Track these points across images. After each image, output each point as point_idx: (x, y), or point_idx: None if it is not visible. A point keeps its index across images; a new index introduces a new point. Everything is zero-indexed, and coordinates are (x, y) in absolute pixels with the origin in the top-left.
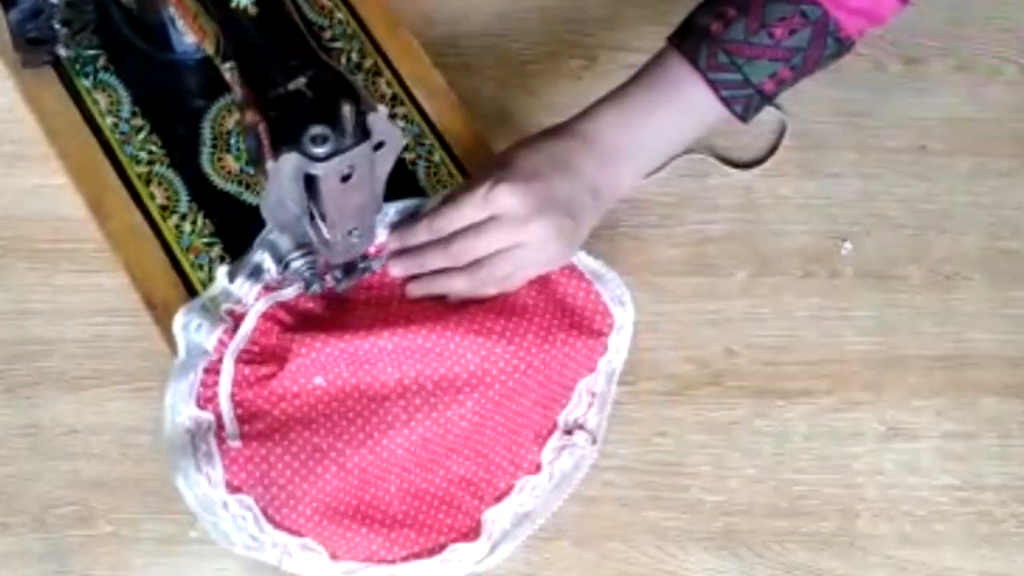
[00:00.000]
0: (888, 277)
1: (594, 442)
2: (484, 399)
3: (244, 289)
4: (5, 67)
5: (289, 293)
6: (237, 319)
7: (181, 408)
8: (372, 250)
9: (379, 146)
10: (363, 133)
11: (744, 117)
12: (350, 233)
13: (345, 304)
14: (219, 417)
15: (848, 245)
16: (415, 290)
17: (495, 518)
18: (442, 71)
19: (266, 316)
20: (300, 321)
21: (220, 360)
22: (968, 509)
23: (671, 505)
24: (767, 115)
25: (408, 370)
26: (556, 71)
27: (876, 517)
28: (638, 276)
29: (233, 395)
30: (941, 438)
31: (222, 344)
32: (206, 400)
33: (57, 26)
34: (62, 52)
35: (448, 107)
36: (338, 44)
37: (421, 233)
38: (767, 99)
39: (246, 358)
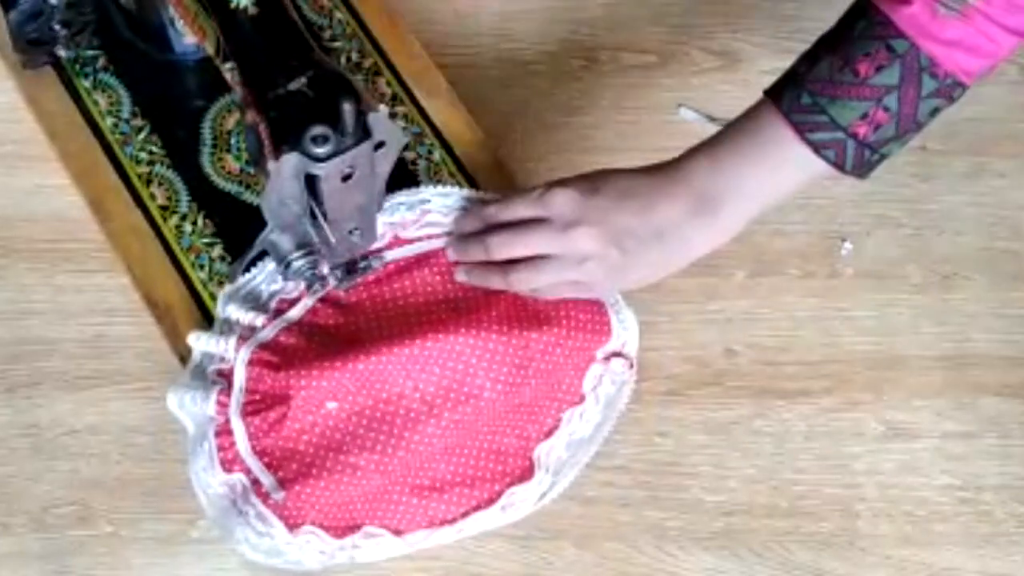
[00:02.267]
0: (888, 277)
1: (631, 366)
2: (509, 376)
3: (222, 346)
4: (5, 68)
5: (266, 334)
6: (227, 376)
7: (210, 480)
8: (372, 249)
9: (380, 145)
10: (364, 133)
11: (841, 166)
12: (351, 233)
13: (328, 322)
14: (250, 475)
15: (848, 245)
16: (461, 276)
17: (548, 450)
18: (442, 71)
19: (252, 363)
20: (286, 356)
21: (228, 421)
22: (968, 509)
23: (671, 505)
24: None
25: (417, 373)
26: (556, 71)
27: (876, 517)
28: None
29: (254, 448)
30: (941, 438)
31: (222, 405)
32: (230, 463)
33: (57, 27)
34: (62, 53)
35: (448, 106)
36: (338, 44)
37: (472, 220)
38: (869, 148)
39: (251, 409)
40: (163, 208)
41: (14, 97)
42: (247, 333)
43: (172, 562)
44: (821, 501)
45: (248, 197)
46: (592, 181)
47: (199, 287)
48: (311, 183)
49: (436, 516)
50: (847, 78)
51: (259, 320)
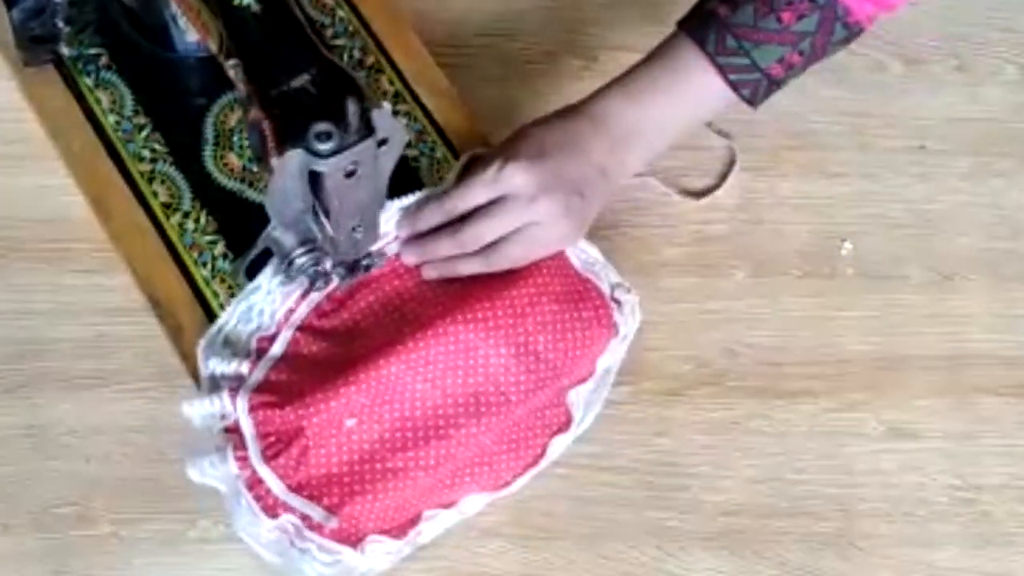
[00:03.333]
0: (888, 277)
1: (629, 291)
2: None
3: (217, 405)
4: (7, 66)
5: (255, 378)
6: (235, 430)
7: (259, 531)
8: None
9: (383, 142)
10: (367, 129)
11: (752, 101)
12: (354, 230)
13: (312, 349)
14: (296, 512)
15: (848, 245)
16: (429, 272)
17: (578, 392)
18: (442, 71)
19: (253, 409)
20: (284, 392)
21: (254, 471)
22: (968, 509)
23: (671, 505)
24: (717, 142)
25: (427, 370)
26: (556, 71)
27: (876, 517)
28: (638, 276)
29: (290, 487)
30: (941, 438)
31: (243, 460)
32: (272, 508)
33: (59, 25)
34: (64, 51)
35: (450, 104)
36: (340, 42)
37: (432, 216)
38: (776, 83)
39: (271, 453)
40: (165, 206)
41: (15, 96)
42: (236, 383)
43: (172, 562)
44: (821, 501)
45: (250, 195)
46: (528, 144)
47: (202, 285)
48: (314, 180)
49: (489, 485)
50: (771, 25)
51: (244, 367)
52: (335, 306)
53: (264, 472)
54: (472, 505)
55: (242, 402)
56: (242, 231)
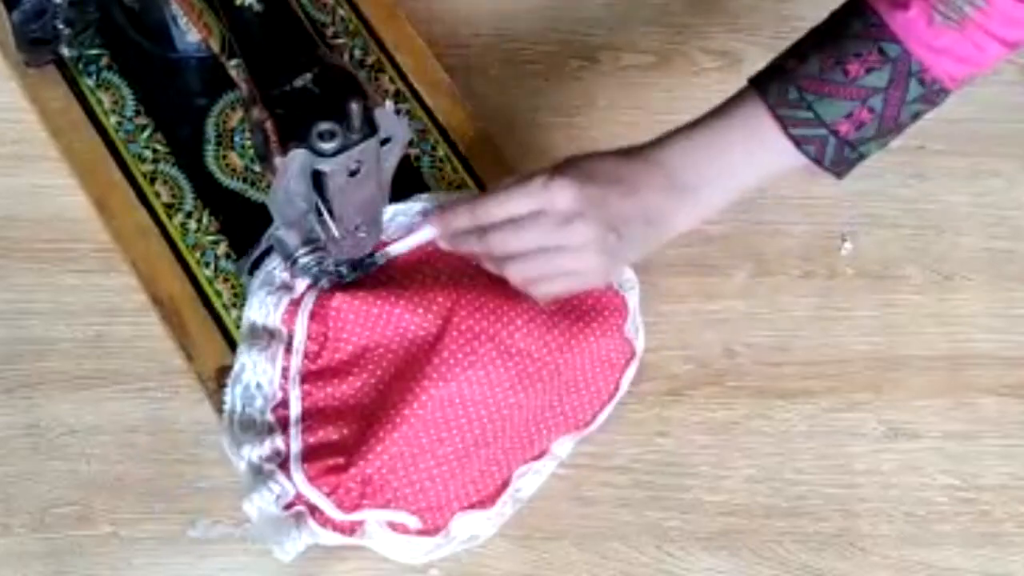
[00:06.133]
0: (888, 277)
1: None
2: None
3: (277, 489)
4: (8, 67)
5: (297, 450)
6: (301, 500)
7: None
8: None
9: (386, 141)
10: (370, 128)
11: (820, 161)
12: (357, 228)
13: (331, 400)
14: (363, 525)
15: (848, 245)
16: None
17: (633, 320)
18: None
19: (313, 479)
20: (335, 452)
21: (337, 523)
22: (968, 509)
23: (671, 505)
24: None
25: (464, 380)
26: (556, 71)
27: (876, 517)
28: (638, 276)
29: (391, 525)
30: (941, 438)
31: (325, 521)
32: (350, 529)
33: (60, 26)
34: (65, 52)
35: (451, 102)
36: (341, 41)
37: (462, 218)
38: (848, 145)
39: (350, 506)
40: (168, 206)
41: (15, 96)
42: (278, 460)
43: (172, 562)
44: (821, 501)
45: (252, 194)
46: (580, 168)
47: (205, 285)
48: (317, 179)
49: (572, 426)
50: (836, 77)
51: (278, 441)
52: (320, 343)
53: (348, 518)
54: (564, 448)
55: (299, 476)
56: (245, 231)
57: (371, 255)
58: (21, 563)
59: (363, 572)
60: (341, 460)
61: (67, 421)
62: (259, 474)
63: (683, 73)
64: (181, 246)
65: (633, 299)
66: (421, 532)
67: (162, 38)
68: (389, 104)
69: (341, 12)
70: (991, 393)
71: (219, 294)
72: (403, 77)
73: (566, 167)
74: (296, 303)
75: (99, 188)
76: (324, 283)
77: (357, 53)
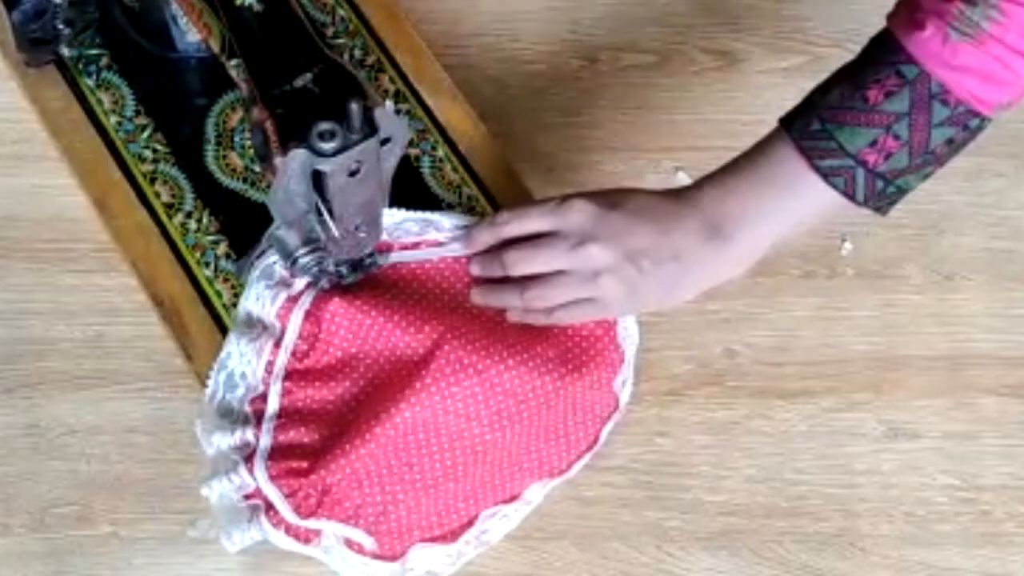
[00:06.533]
0: (888, 277)
1: None
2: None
3: (237, 481)
4: (8, 67)
5: (265, 444)
6: (258, 495)
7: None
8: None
9: (386, 141)
10: (370, 128)
11: (852, 196)
12: (357, 228)
13: (309, 402)
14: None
15: (848, 245)
16: (476, 297)
17: (622, 376)
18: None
19: (274, 478)
20: (300, 455)
21: (291, 525)
22: (968, 509)
23: (671, 505)
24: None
25: (446, 406)
26: (556, 71)
27: (876, 517)
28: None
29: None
30: (941, 438)
31: (278, 520)
32: (306, 537)
33: (60, 26)
34: (65, 51)
35: (451, 103)
36: (340, 41)
37: (483, 234)
38: (879, 177)
39: (306, 512)
40: (168, 206)
41: (15, 96)
42: (245, 452)
43: (172, 562)
44: (821, 501)
45: (252, 194)
46: (608, 197)
47: (205, 285)
48: (317, 179)
49: (544, 473)
50: (856, 104)
51: (248, 433)
52: (310, 343)
53: (313, 524)
54: (535, 494)
55: (261, 473)
56: (245, 231)
57: (371, 255)
58: (21, 563)
59: None
60: (304, 464)
61: (67, 421)
62: (224, 463)
63: (683, 73)
64: (181, 246)
65: (630, 352)
66: (377, 556)
67: (162, 38)
68: (389, 104)
69: (341, 12)
70: (991, 393)
71: (219, 294)
72: (403, 77)
73: (593, 193)
74: (293, 300)
75: (99, 188)
76: (324, 283)
77: (357, 53)
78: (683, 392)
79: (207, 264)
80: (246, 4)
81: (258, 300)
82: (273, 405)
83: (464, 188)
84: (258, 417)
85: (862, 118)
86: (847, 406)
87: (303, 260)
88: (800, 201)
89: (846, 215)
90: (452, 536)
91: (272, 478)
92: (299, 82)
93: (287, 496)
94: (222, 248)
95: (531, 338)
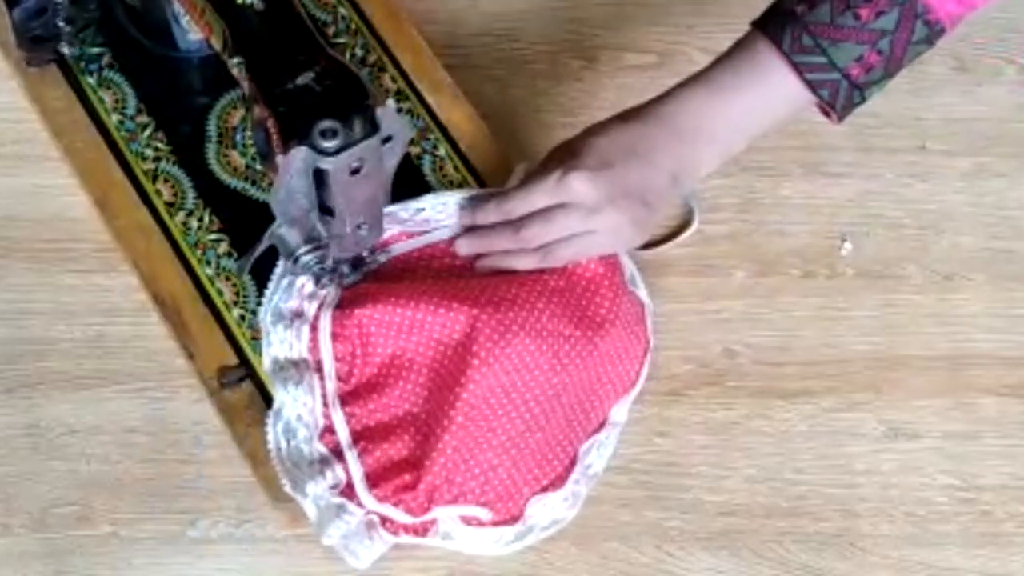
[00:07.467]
0: (888, 277)
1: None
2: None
3: (358, 514)
4: (9, 66)
5: (358, 473)
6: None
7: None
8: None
9: (387, 140)
10: (372, 127)
11: (832, 105)
12: (358, 227)
13: (369, 400)
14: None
15: (848, 245)
16: (483, 265)
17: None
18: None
19: (383, 500)
20: (399, 470)
21: (407, 526)
22: (968, 509)
23: (671, 505)
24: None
25: (505, 384)
26: (556, 71)
27: (876, 517)
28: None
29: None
30: (941, 438)
31: (397, 531)
32: (423, 530)
33: (61, 24)
34: (66, 50)
35: (452, 102)
36: (342, 40)
37: (491, 214)
38: (856, 88)
39: (421, 511)
40: (169, 205)
41: (16, 96)
42: (341, 487)
43: (172, 562)
44: (821, 501)
45: (254, 193)
46: (591, 151)
47: (206, 283)
48: (319, 177)
49: (621, 390)
50: (848, 22)
51: (338, 471)
52: (349, 362)
53: (420, 519)
54: (620, 414)
55: (368, 500)
56: (246, 229)
57: (372, 252)
58: (21, 563)
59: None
60: (407, 477)
61: (67, 421)
62: (328, 509)
63: (683, 73)
64: (182, 245)
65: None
66: (496, 523)
67: (164, 36)
68: (391, 103)
69: (342, 11)
70: (991, 393)
71: (220, 293)
72: (404, 76)
73: (578, 156)
74: (314, 328)
75: (100, 187)
76: (330, 289)
77: (358, 52)
78: (683, 392)
79: (208, 263)
80: (248, 2)
81: (283, 343)
82: (343, 434)
83: (465, 186)
84: (335, 451)
85: (853, 35)
86: (847, 406)
87: (304, 258)
88: (783, 107)
89: (846, 216)
90: (560, 481)
91: (381, 500)
92: (301, 81)
93: (396, 505)
94: (223, 247)
95: (546, 282)
